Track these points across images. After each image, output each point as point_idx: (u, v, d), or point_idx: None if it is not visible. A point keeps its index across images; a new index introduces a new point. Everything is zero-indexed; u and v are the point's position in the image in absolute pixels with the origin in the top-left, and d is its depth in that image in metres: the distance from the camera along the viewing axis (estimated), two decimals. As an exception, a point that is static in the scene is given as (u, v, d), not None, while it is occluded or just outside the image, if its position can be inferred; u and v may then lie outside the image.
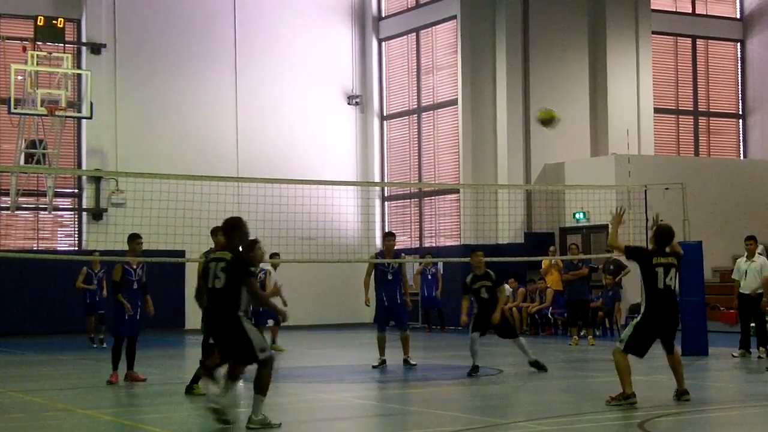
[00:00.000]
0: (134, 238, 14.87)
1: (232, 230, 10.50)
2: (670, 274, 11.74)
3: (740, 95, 32.34)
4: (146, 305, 14.79)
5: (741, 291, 17.98)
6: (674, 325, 11.95)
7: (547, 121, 27.31)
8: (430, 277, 26.44)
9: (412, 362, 16.82)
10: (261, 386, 10.06)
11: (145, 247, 17.89)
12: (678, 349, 12.10)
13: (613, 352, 11.77)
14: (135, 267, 14.70)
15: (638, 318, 11.82)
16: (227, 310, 10.02)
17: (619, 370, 11.58)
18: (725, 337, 20.80)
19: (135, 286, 14.63)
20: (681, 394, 11.81)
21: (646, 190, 20.99)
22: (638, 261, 11.91)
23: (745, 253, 18.13)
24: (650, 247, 12.13)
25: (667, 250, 11.90)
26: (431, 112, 30.51)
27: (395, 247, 17.65)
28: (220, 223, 16.03)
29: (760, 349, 17.56)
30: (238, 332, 9.98)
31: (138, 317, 14.66)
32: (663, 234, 11.98)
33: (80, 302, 22.60)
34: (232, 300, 10.03)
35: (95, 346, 22.01)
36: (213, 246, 15.31)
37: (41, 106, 26.33)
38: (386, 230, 28.70)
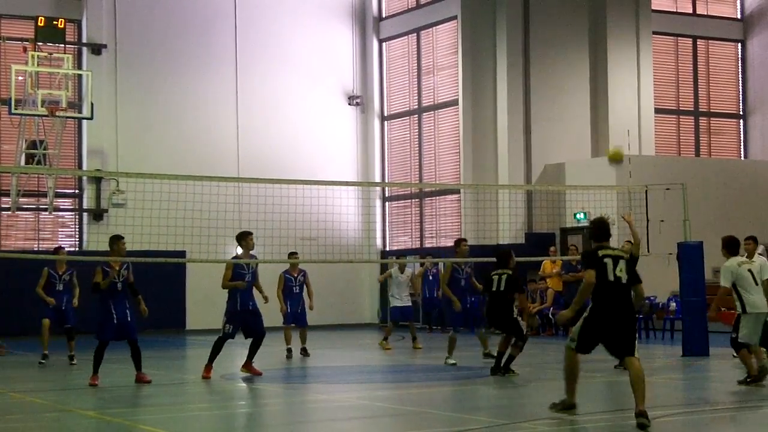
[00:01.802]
0: (117, 239, 14.63)
1: None
2: (620, 265, 10.66)
3: (741, 95, 32.34)
4: (138, 306, 14.52)
5: None
6: (626, 323, 10.55)
7: (616, 160, 25.99)
8: (431, 278, 26.41)
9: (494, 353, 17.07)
10: None
11: (145, 247, 17.96)
12: (636, 361, 10.42)
13: (565, 348, 10.82)
14: (118, 268, 14.46)
15: (586, 313, 10.74)
16: None
17: (567, 373, 10.78)
18: (726, 337, 20.74)
19: (119, 287, 14.38)
20: (637, 416, 10.05)
21: (646, 191, 20.98)
22: (591, 262, 10.73)
23: (745, 254, 18.11)
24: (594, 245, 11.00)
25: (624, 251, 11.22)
26: (432, 112, 30.52)
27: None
28: (220, 224, 16.24)
29: (762, 349, 17.52)
30: None
31: (129, 319, 14.41)
32: (599, 228, 11.11)
33: (40, 307, 18.43)
34: None
35: (74, 363, 17.95)
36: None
37: (42, 106, 26.32)
38: (385, 230, 28.72)
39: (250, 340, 15.48)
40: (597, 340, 10.67)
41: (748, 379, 13.60)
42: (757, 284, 13.82)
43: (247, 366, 15.53)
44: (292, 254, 19.73)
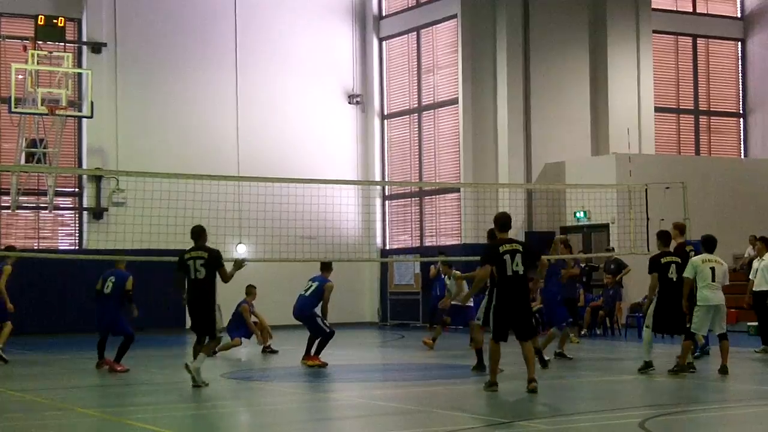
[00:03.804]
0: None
1: (201, 234, 14.17)
2: (516, 259, 12.30)
3: (741, 94, 32.34)
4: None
5: (753, 289, 18.14)
6: (526, 311, 12.52)
7: None
8: (443, 276, 26.31)
9: (569, 356, 17.33)
10: (208, 350, 13.92)
11: (146, 246, 18.07)
12: (530, 344, 12.59)
13: (489, 342, 12.64)
14: None
15: (493, 306, 12.52)
16: (208, 296, 13.68)
17: (492, 359, 12.55)
18: (730, 336, 20.74)
19: None
20: (530, 381, 12.35)
21: (646, 190, 20.98)
22: (491, 258, 12.44)
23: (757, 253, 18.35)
24: (498, 236, 12.68)
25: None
26: (432, 111, 30.51)
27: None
28: (220, 222, 16.40)
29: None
30: (212, 314, 13.72)
31: None
32: (501, 220, 12.68)
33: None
34: (211, 287, 13.68)
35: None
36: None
37: (42, 105, 26.31)
38: (385, 229, 28.35)
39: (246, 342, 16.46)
40: (507, 327, 12.47)
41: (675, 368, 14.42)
42: (714, 280, 14.47)
43: (313, 358, 16.81)
44: (251, 287, 20.29)
